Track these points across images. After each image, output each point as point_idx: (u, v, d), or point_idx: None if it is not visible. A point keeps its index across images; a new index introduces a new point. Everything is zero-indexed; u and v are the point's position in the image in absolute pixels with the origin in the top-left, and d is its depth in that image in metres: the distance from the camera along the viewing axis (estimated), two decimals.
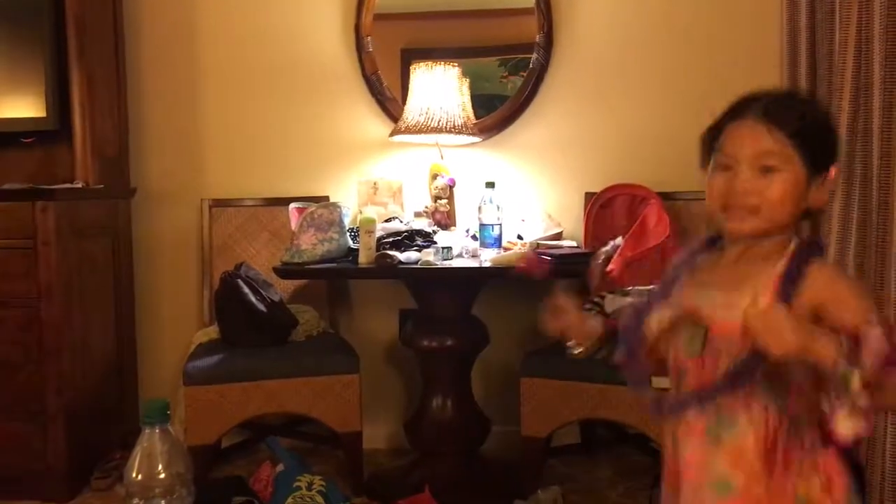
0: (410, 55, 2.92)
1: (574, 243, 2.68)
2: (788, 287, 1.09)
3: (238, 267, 2.66)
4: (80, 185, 2.72)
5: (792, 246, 1.14)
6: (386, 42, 2.97)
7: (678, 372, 1.21)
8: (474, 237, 2.61)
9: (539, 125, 2.93)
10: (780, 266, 1.12)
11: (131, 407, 2.95)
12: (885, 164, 2.07)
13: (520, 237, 2.68)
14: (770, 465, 1.12)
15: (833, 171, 1.15)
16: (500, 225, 2.54)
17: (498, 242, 2.52)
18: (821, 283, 1.09)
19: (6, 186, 2.65)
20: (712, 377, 1.14)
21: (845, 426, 0.98)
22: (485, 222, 2.52)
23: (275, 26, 3.00)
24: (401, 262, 2.34)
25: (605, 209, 2.72)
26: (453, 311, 2.56)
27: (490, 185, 2.60)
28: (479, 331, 2.59)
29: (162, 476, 1.21)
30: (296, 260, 2.41)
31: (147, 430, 1.24)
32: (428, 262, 2.34)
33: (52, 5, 2.72)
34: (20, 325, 2.50)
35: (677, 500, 1.20)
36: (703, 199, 1.25)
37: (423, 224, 2.63)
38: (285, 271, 2.43)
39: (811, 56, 2.56)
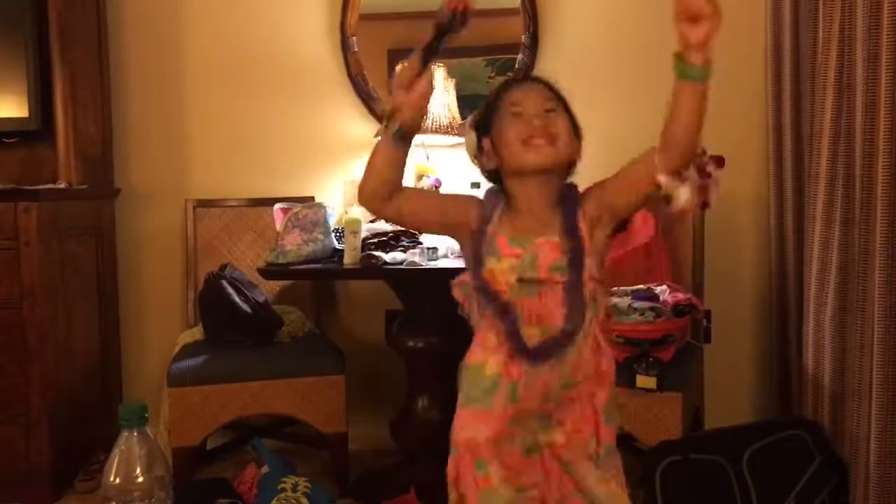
0: (396, 55, 2.91)
1: None
2: (573, 213, 1.39)
3: (223, 268, 2.66)
4: (63, 186, 2.70)
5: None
6: (372, 42, 2.96)
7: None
8: None
9: None
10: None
11: (115, 408, 2.92)
12: (867, 164, 2.07)
13: None
14: (597, 357, 1.41)
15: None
16: None
17: None
18: (595, 191, 1.43)
19: None
20: (553, 308, 1.37)
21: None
22: None
23: (260, 26, 3.00)
24: (386, 263, 2.33)
25: None
26: (439, 312, 2.53)
27: (475, 185, 2.59)
28: (465, 331, 2.57)
29: (140, 479, 1.21)
30: (280, 260, 2.40)
31: (125, 433, 1.23)
32: (413, 263, 2.34)
33: (35, 5, 2.70)
34: (3, 326, 2.49)
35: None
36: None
37: None
38: (270, 272, 2.42)
39: (795, 55, 2.58)
